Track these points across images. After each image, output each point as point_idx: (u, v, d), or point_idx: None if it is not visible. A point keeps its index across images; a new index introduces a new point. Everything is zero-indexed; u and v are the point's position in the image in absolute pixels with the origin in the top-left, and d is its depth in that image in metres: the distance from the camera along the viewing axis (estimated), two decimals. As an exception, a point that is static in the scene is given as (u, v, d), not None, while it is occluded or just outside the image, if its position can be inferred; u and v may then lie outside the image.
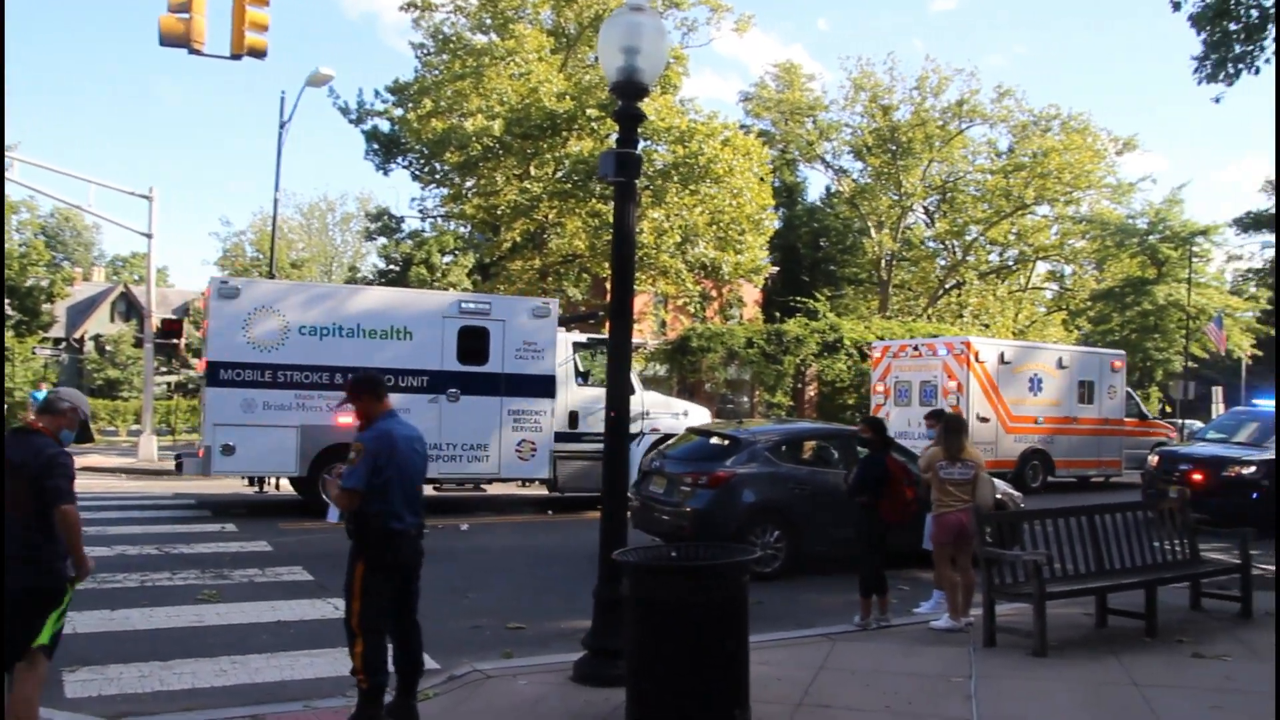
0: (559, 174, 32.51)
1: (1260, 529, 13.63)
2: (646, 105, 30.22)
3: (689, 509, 12.24)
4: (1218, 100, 16.30)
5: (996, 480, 14.08)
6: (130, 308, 67.16)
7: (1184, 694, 7.62)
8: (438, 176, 37.69)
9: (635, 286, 32.98)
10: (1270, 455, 18.47)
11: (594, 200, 31.14)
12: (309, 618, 9.68)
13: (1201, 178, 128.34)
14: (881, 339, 36.14)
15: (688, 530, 11.99)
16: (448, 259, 47.35)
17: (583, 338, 20.62)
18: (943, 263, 54.64)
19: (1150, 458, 20.55)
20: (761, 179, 34.12)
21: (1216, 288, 53.98)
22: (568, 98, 31.18)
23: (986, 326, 50.66)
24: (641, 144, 31.71)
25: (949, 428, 10.01)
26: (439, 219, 43.83)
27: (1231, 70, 15.23)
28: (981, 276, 54.63)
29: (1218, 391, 47.40)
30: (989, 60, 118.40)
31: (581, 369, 19.92)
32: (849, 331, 36.54)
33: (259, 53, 18.19)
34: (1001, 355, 24.96)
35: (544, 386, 18.58)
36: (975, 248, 53.52)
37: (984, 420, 24.16)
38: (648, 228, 31.40)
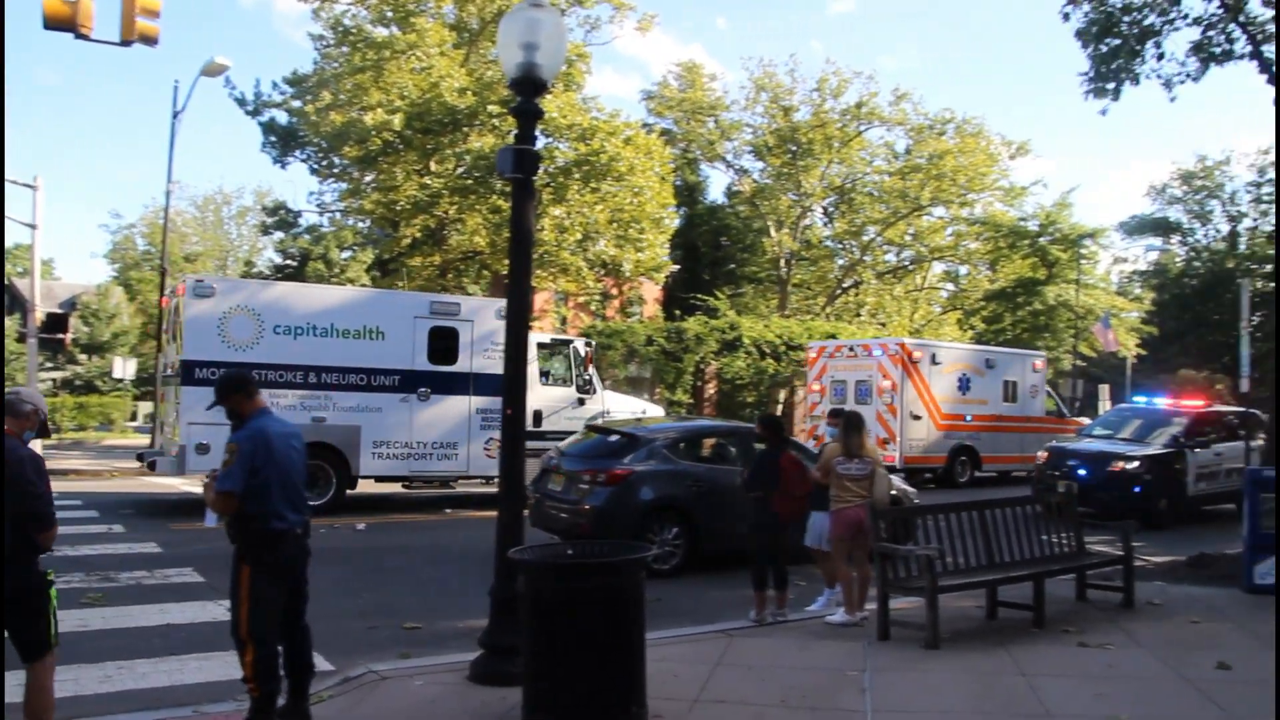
0: (460, 170, 32.22)
1: (1142, 522, 14.06)
2: (549, 102, 30.12)
3: (587, 506, 12.22)
4: (1104, 113, 16.78)
5: (891, 476, 14.33)
6: (14, 301, 65.05)
7: (1069, 682, 7.82)
8: (336, 170, 37.11)
9: (536, 284, 32.78)
10: (1152, 451, 19.08)
11: (495, 197, 30.93)
12: (199, 620, 9.47)
13: (1089, 183, 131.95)
14: (781, 337, 36.58)
15: (586, 528, 11.97)
16: (346, 255, 46.72)
17: (546, 338, 21.36)
18: (841, 262, 55.33)
19: (1039, 453, 21.08)
20: (663, 178, 34.19)
21: (1103, 289, 55.51)
22: (469, 93, 30.91)
23: (883, 325, 51.43)
24: (544, 141, 31.72)
25: (848, 425, 10.14)
26: (338, 214, 43.20)
27: (1114, 86, 15.66)
28: (879, 276, 55.46)
29: (1104, 389, 48.83)
30: (885, 63, 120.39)
31: (544, 369, 20.47)
32: (748, 330, 36.82)
33: (150, 39, 17.66)
34: (933, 356, 26.19)
35: None
36: (873, 248, 54.32)
37: (917, 418, 25.26)
38: (549, 225, 31.28)
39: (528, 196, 7.85)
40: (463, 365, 18.62)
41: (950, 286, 61.41)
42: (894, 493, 13.69)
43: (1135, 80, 15.65)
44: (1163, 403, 22.99)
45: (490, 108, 30.38)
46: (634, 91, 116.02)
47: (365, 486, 19.01)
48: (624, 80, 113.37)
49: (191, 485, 19.08)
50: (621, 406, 21.58)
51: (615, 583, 6.01)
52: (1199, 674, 8.08)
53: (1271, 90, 13.96)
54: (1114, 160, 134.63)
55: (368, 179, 35.08)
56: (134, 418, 47.41)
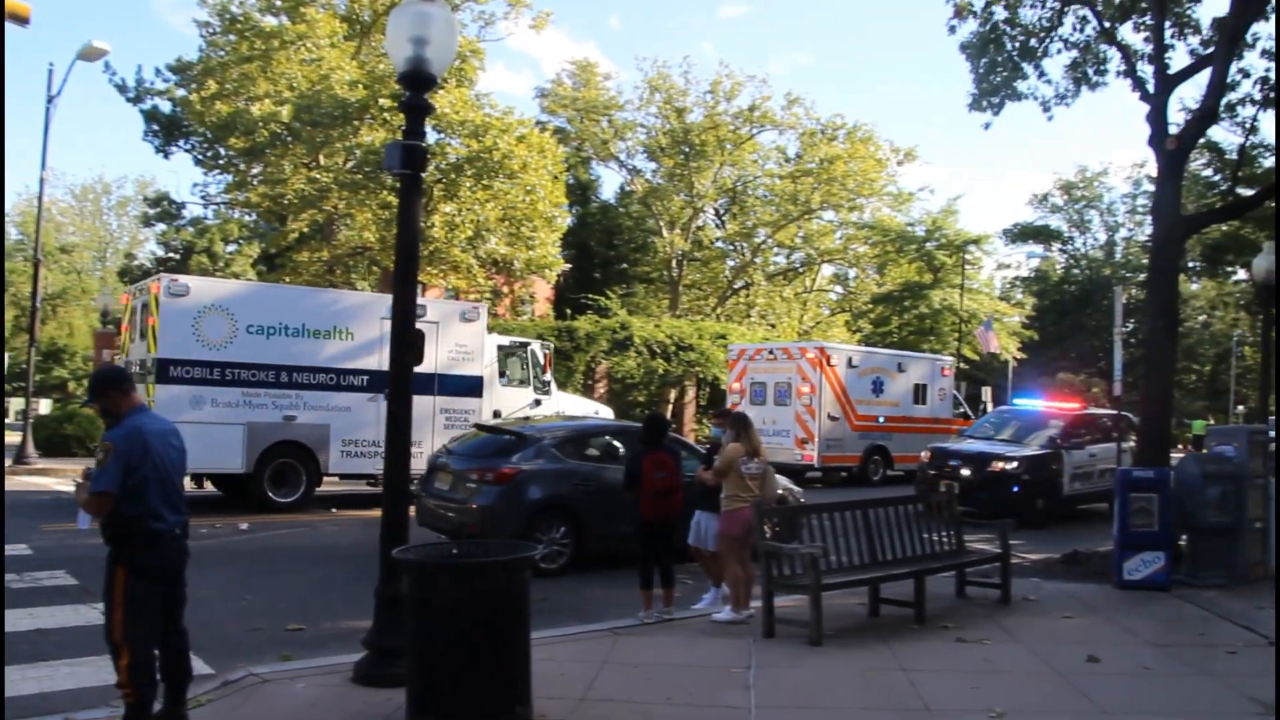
0: (350, 164, 31.74)
1: (1019, 521, 14.44)
2: (442, 98, 29.84)
3: (474, 506, 12.15)
4: (987, 127, 17.27)
5: (778, 476, 14.51)
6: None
7: (947, 676, 8.01)
8: (222, 162, 36.21)
9: (426, 280, 32.48)
10: (1030, 452, 19.62)
11: (386, 192, 30.53)
12: (72, 625, 9.17)
13: (974, 190, 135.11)
14: (672, 337, 36.76)
15: (473, 527, 11.90)
16: (231, 248, 45.75)
17: (506, 340, 21.97)
18: (732, 263, 55.82)
19: (922, 453, 21.52)
20: (555, 176, 34.11)
21: (987, 294, 56.79)
22: (360, 86, 30.46)
23: (773, 326, 52.05)
24: (436, 137, 31.44)
25: (747, 424, 10.22)
26: (223, 206, 42.22)
27: (997, 101, 16.07)
28: (769, 278, 56.09)
29: (987, 392, 50.01)
30: (775, 67, 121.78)
31: (504, 370, 21.12)
32: (639, 330, 36.94)
33: (21, 19, 17.03)
34: (850, 359, 27.56)
35: (473, 387, 19.67)
36: (763, 250, 54.90)
37: (834, 419, 26.35)
38: (439, 222, 30.99)
39: (416, 193, 7.78)
40: (428, 366, 18.43)
41: (839, 289, 62.38)
42: (780, 492, 13.89)
43: (1017, 97, 16.10)
44: (1041, 405, 23.71)
45: (382, 102, 29.97)
46: (526, 88, 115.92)
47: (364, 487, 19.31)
48: (516, 77, 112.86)
49: (63, 484, 18.53)
50: (575, 407, 22.33)
51: (500, 582, 5.98)
52: (1070, 667, 8.33)
53: (1145, 107, 14.48)
54: (998, 169, 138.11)
55: (254, 171, 34.33)
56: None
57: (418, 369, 17.89)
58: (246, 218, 42.03)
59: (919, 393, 29.13)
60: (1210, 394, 76.75)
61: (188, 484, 18.58)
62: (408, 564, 6.10)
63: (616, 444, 13.68)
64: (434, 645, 5.90)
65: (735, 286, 55.05)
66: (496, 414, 19.83)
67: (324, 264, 34.10)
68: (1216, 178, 22.07)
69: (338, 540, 15.10)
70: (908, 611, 10.00)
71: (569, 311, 41.39)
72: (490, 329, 33.81)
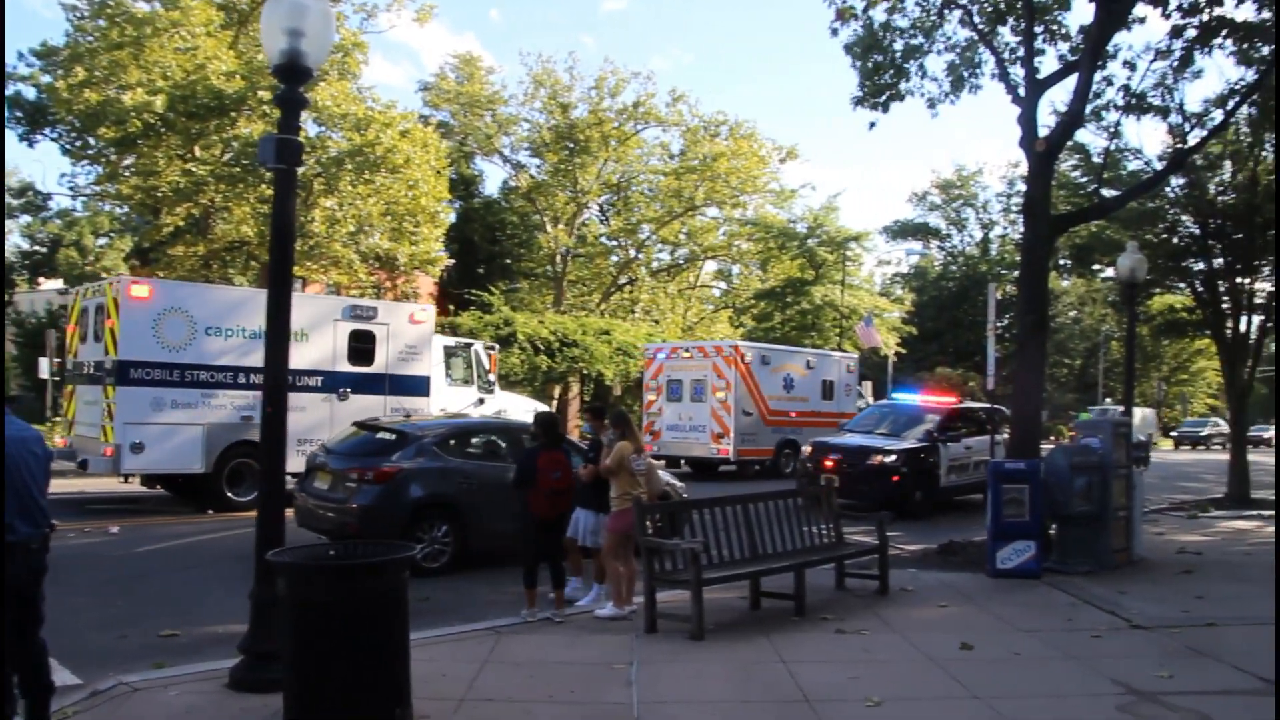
0: (227, 157, 30.97)
1: (898, 512, 14.75)
2: (323, 90, 29.32)
3: (354, 505, 11.98)
4: (872, 126, 17.53)
5: (660, 472, 14.60)
6: None
7: (826, 667, 8.15)
8: (91, 152, 34.99)
9: (306, 276, 31.83)
10: (907, 445, 20.03)
11: (264, 186, 29.85)
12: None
13: (855, 187, 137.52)
14: (556, 333, 36.71)
15: (353, 527, 11.73)
16: (102, 242, 44.36)
17: (451, 341, 22.71)
18: (616, 260, 55.90)
19: (804, 447, 21.82)
20: (439, 171, 33.76)
21: (867, 290, 57.79)
22: (238, 77, 29.72)
23: (657, 322, 52.28)
24: (317, 130, 30.82)
25: (628, 421, 10.27)
26: (92, 198, 40.89)
27: (882, 100, 16.35)
28: (653, 274, 56.35)
29: (867, 386, 50.91)
30: (658, 63, 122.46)
31: (448, 370, 21.79)
32: (522, 325, 36.82)
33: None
34: (763, 357, 28.48)
35: (422, 386, 20.26)
36: (647, 246, 55.11)
37: (748, 414, 27.21)
38: (320, 217, 30.46)
39: (290, 188, 7.63)
40: (380, 367, 19.65)
41: (722, 285, 62.87)
42: (664, 487, 13.96)
43: (900, 97, 16.40)
44: (918, 399, 24.24)
45: (261, 93, 29.31)
46: (404, 79, 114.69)
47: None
48: (394, 68, 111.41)
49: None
50: (517, 406, 23.05)
51: (377, 584, 5.92)
52: (945, 654, 8.55)
53: (1017, 110, 14.90)
54: (878, 167, 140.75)
55: (126, 162, 33.21)
56: None
57: (369, 369, 19.29)
58: (118, 210, 40.75)
59: (827, 389, 30.30)
60: (1081, 387, 79.24)
61: (136, 484, 18.54)
62: (283, 566, 6.00)
63: (499, 442, 13.63)
64: (311, 649, 5.81)
65: (620, 282, 55.15)
66: (499, 414, 20.34)
67: (200, 259, 33.23)
68: (1084, 179, 22.79)
69: (211, 542, 14.75)
70: (788, 604, 10.14)
71: (452, 307, 41.08)
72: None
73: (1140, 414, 53.29)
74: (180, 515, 17.46)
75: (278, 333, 7.60)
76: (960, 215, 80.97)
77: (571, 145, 50.24)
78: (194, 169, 30.42)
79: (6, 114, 35.39)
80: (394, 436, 12.93)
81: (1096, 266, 26.38)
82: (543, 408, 23.93)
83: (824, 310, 51.60)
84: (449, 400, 21.27)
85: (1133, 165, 22.70)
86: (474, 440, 13.56)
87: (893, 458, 19.57)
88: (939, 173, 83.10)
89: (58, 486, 20.53)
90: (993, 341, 16.31)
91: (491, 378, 22.89)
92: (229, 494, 17.83)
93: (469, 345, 22.95)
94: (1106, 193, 19.36)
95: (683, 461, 28.76)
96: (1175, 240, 23.19)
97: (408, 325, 20.20)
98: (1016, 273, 17.82)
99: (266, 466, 7.57)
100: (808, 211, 55.72)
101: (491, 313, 38.08)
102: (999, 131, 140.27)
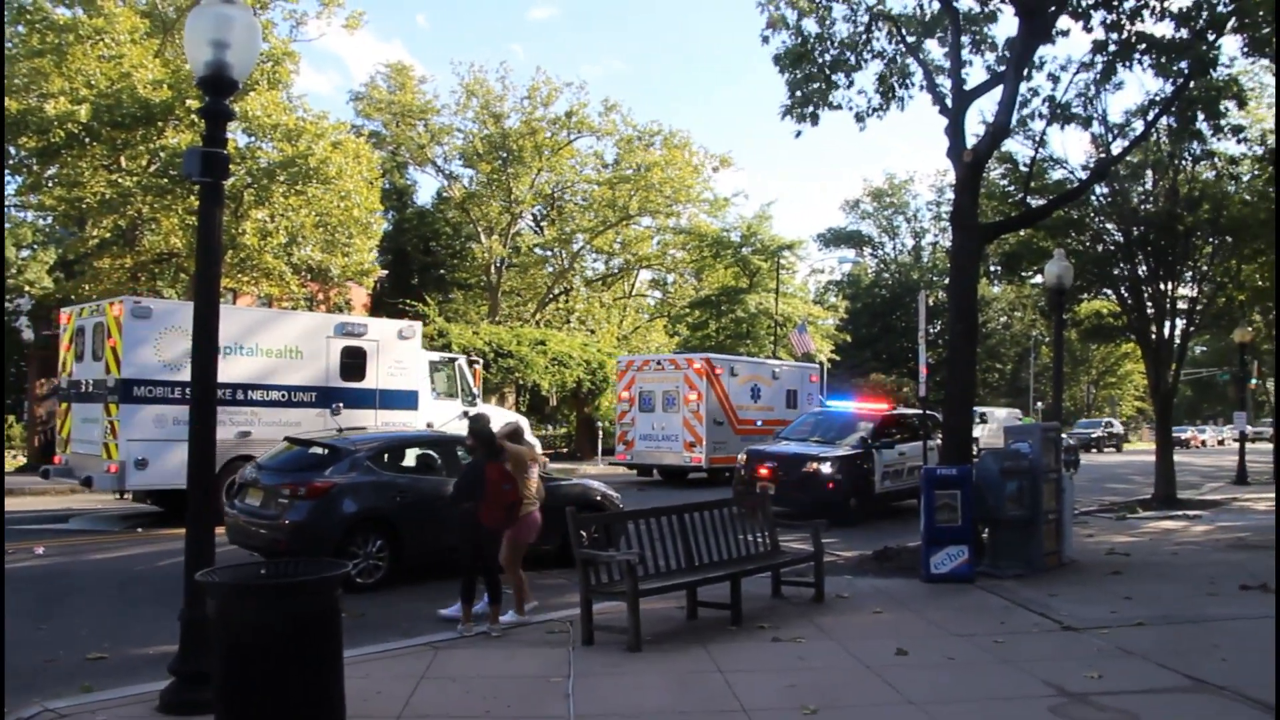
0: (154, 167, 30.48)
1: (833, 519, 14.84)
2: (253, 100, 28.97)
3: (286, 522, 11.82)
4: (798, 135, 17.67)
5: (594, 482, 14.60)
6: None
7: (763, 676, 8.17)
8: (12, 162, 34.32)
9: (237, 288, 31.38)
10: (842, 452, 20.17)
11: (192, 197, 29.41)
12: None
13: (788, 196, 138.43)
14: (491, 344, 36.55)
15: (285, 544, 11.58)
16: (25, 254, 43.36)
17: (436, 356, 23.36)
18: (551, 269, 55.86)
19: (739, 455, 21.91)
20: (371, 182, 33.52)
21: (801, 297, 58.19)
22: (165, 86, 29.27)
23: (592, 332, 52.28)
24: (247, 140, 30.45)
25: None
26: (14, 209, 40.02)
27: (810, 110, 16.45)
28: (588, 284, 56.40)
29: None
30: (589, 71, 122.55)
31: (433, 385, 22.38)
32: (456, 336, 36.61)
33: None
34: (731, 369, 29.81)
35: (411, 400, 20.98)
36: (582, 256, 55.17)
37: (719, 424, 28.33)
38: (251, 228, 30.07)
39: (217, 201, 7.53)
40: (370, 382, 20.28)
41: (657, 294, 63.04)
42: (598, 498, 13.96)
43: (831, 107, 16.52)
44: (852, 406, 24.45)
45: (189, 103, 28.89)
46: (331, 88, 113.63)
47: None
48: (321, 77, 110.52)
49: None
50: (499, 418, 23.01)
51: (310, 602, 5.84)
52: (880, 661, 8.61)
53: (945, 120, 15.09)
54: (811, 176, 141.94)
55: (49, 173, 32.59)
56: None
57: (360, 385, 20.01)
58: (41, 221, 39.90)
59: (791, 398, 31.50)
60: (1012, 391, 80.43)
61: (128, 500, 19.17)
62: (212, 587, 5.90)
63: (434, 455, 13.54)
64: (243, 670, 5.71)
65: (554, 292, 55.12)
66: (429, 426, 20.64)
67: (127, 271, 32.66)
68: (1012, 189, 23.13)
69: (141, 561, 14.46)
70: (725, 613, 10.17)
71: (387, 318, 40.70)
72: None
73: (1004, 414, 54.27)
74: (110, 535, 17.16)
75: (204, 346, 7.50)
76: (892, 223, 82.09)
77: (505, 155, 50.15)
78: (120, 180, 29.90)
79: None
80: (326, 451, 12.79)
81: (1025, 273, 26.76)
82: (522, 420, 24.15)
83: (759, 318, 51.90)
84: (435, 413, 21.79)
85: (1058, 175, 23.09)
86: (408, 453, 13.46)
87: (827, 465, 19.68)
88: (871, 181, 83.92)
89: (52, 503, 20.34)
90: (924, 348, 16.48)
91: (476, 390, 23.57)
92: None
93: (453, 359, 23.63)
94: (1033, 202, 19.62)
95: (655, 470, 29.61)
96: (1100, 248, 23.60)
97: (396, 341, 20.94)
98: (948, 280, 17.98)
99: (194, 482, 7.45)
100: (741, 220, 56.11)
101: (426, 324, 37.83)
102: (930, 141, 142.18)
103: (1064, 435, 14.82)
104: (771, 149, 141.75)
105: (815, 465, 19.72)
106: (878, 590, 12.11)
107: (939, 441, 18.01)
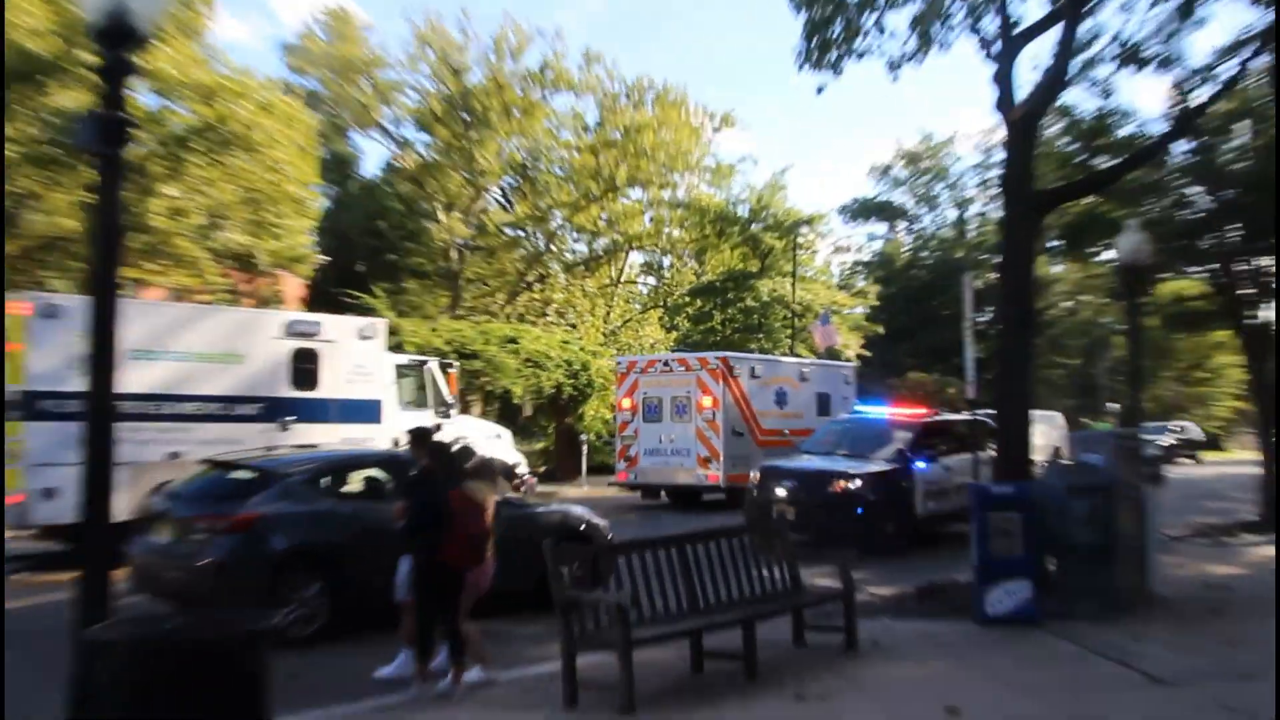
0: (40, 134, 30.35)
1: (866, 549, 14.74)
2: (162, 54, 28.78)
3: (203, 562, 11.68)
4: (820, 90, 17.43)
5: (576, 507, 14.53)
6: None
7: (784, 744, 8.07)
8: None
9: (145, 278, 31.23)
10: (875, 468, 20.08)
11: (88, 169, 29.26)
12: None
13: (805, 161, 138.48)
14: (452, 343, 36.45)
15: (204, 590, 11.46)
16: (-119, 239, 43.21)
17: (404, 359, 23.70)
18: (524, 253, 55.71)
19: (751, 474, 21.80)
20: (306, 150, 33.42)
21: (824, 282, 58.14)
22: (52, 35, 29.13)
23: (574, 327, 52.14)
24: (156, 102, 30.28)
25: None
26: None
27: (833, 59, 16.31)
28: (568, 269, 56.21)
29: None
30: (565, 17, 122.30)
31: (402, 393, 22.63)
32: (411, 334, 36.47)
33: None
34: (753, 370, 29.59)
35: (373, 411, 21.00)
36: (560, 236, 55.03)
37: (739, 435, 28.08)
38: (161, 207, 29.93)
39: (117, 175, 7.41)
40: (325, 391, 20.27)
41: (651, 281, 62.97)
42: (582, 528, 13.86)
43: (856, 55, 16.37)
44: (887, 411, 24.34)
45: (82, 55, 28.71)
46: (255, 38, 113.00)
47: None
48: (245, 25, 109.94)
49: None
50: (478, 431, 24.13)
51: (231, 662, 5.72)
52: (926, 722, 8.51)
53: (992, 68, 14.99)
54: (832, 137, 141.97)
55: (-88, 140, 32.51)
56: None
57: (313, 394, 19.77)
58: (-98, 199, 39.75)
59: (822, 403, 31.05)
60: (1080, 390, 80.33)
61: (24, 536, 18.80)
62: (106, 646, 5.77)
63: (383, 478, 13.42)
64: (146, 744, 5.59)
65: (528, 280, 54.95)
66: (395, 442, 20.47)
67: (10, 258, 32.51)
68: (1074, 148, 23.03)
69: (34, 613, 14.31)
70: (737, 665, 10.05)
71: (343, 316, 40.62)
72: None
73: (1045, 417, 53.89)
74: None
75: (102, 351, 7.42)
76: (931, 192, 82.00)
77: (467, 117, 49.99)
78: (-1, 149, 29.76)
79: None
80: (253, 475, 12.70)
81: (1092, 249, 26.68)
82: (505, 433, 24.47)
83: (772, 308, 51.80)
84: (402, 426, 21.35)
85: (1130, 130, 22.97)
86: (353, 477, 13.36)
87: (858, 483, 19.59)
88: (904, 143, 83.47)
89: None
90: (972, 340, 16.42)
91: (450, 398, 23.70)
92: None
93: (423, 363, 23.87)
94: (1101, 163, 19.55)
95: (663, 491, 29.38)
96: (1184, 216, 23.47)
97: (356, 342, 20.97)
98: (998, 259, 17.87)
99: (89, 518, 7.34)
100: (750, 191, 56.05)
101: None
102: (975, 94, 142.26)
103: (1146, 442, 14.73)
104: (785, 106, 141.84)
105: (843, 484, 19.63)
106: (922, 635, 12.03)
107: (992, 453, 17.95)
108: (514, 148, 52.54)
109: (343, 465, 13.56)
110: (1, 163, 25.14)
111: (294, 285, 44.56)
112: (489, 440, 24.10)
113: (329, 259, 47.34)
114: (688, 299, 55.89)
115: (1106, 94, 18.44)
